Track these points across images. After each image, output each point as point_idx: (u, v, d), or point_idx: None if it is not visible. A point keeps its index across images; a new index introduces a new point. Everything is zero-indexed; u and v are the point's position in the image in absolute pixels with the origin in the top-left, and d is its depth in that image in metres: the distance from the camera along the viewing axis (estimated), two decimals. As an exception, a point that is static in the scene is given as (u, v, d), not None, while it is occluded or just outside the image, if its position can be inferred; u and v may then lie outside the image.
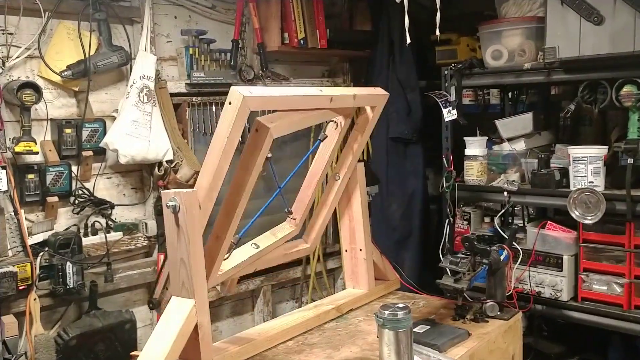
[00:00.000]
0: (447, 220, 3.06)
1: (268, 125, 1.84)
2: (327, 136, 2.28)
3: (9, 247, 2.62)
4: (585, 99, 2.62)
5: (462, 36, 3.39)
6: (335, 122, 2.26)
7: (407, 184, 3.61)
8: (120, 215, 3.02)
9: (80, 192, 2.84)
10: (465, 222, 3.20)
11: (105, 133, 2.86)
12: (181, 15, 3.22)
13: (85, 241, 2.80)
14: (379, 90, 2.33)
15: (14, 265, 2.50)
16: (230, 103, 1.71)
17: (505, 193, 2.82)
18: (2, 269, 2.46)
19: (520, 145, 3.00)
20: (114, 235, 2.92)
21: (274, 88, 1.89)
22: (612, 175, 2.63)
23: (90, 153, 2.83)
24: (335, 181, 2.36)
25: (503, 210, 2.91)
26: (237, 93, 1.70)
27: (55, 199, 2.72)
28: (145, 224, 3.02)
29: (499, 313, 2.21)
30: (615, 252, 2.59)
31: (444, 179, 3.05)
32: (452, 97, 3.02)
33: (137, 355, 1.70)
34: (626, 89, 2.46)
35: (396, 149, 3.62)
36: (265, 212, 3.43)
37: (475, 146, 2.97)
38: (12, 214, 2.63)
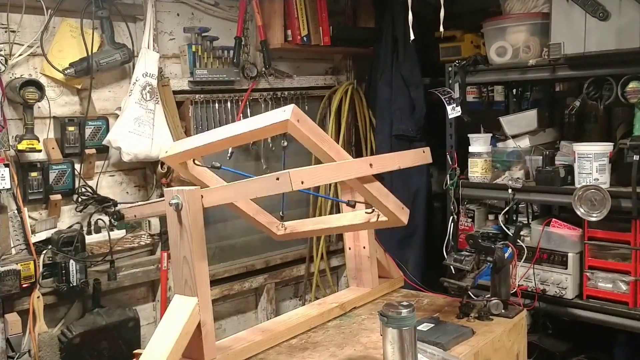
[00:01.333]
0: (451, 218, 3.05)
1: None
2: (354, 204, 2.16)
3: (12, 245, 2.62)
4: (591, 96, 2.60)
5: (466, 33, 3.37)
6: (374, 211, 2.11)
7: (411, 181, 3.59)
8: (124, 213, 3.02)
9: (83, 190, 2.84)
10: (469, 220, 3.18)
11: (108, 131, 2.86)
12: (184, 13, 3.21)
13: (89, 239, 2.80)
14: (427, 156, 2.20)
15: (17, 264, 2.50)
16: (277, 179, 1.65)
17: (510, 190, 2.81)
18: (6, 267, 2.46)
19: (524, 142, 2.98)
20: (117, 233, 2.92)
21: (327, 168, 1.82)
22: (618, 172, 2.61)
23: (93, 151, 2.83)
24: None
25: (507, 208, 2.89)
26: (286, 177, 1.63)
27: (59, 196, 2.72)
28: (149, 221, 3.02)
29: (503, 311, 2.20)
30: (620, 249, 2.57)
31: (447, 176, 3.04)
32: (456, 94, 3.00)
33: (141, 353, 1.70)
34: (632, 85, 2.44)
35: (400, 146, 3.60)
36: (268, 211, 3.45)
37: (479, 143, 2.96)
38: (16, 212, 2.63)
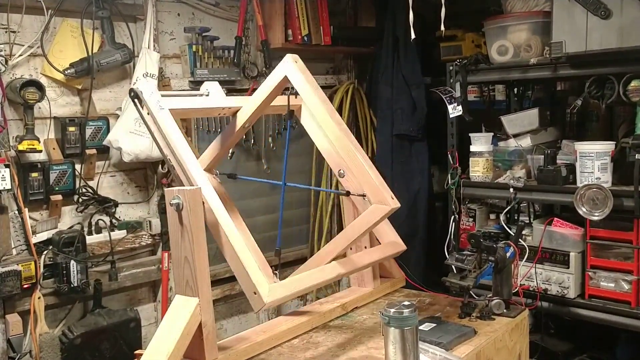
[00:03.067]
0: (452, 218, 3.04)
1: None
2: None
3: (13, 246, 2.62)
4: (593, 94, 2.59)
5: (467, 32, 3.37)
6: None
7: (412, 181, 3.59)
8: (124, 213, 3.01)
9: (84, 190, 2.84)
10: (471, 219, 3.18)
11: (108, 131, 2.85)
12: (184, 13, 3.20)
13: (90, 239, 2.79)
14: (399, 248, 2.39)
15: (18, 264, 2.50)
16: (255, 293, 1.76)
17: (511, 189, 2.80)
18: (7, 267, 2.46)
19: (526, 142, 2.98)
20: (118, 234, 2.92)
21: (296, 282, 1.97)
22: (620, 171, 2.61)
23: (94, 151, 2.83)
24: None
25: (509, 207, 2.89)
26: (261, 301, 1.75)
27: (59, 197, 2.72)
28: (149, 222, 3.02)
29: (505, 311, 2.20)
30: (622, 248, 2.57)
31: (449, 175, 3.03)
32: (457, 94, 3.00)
33: (142, 354, 1.69)
34: (634, 83, 2.44)
35: (401, 146, 3.60)
36: (270, 211, 3.47)
37: (480, 142, 2.95)
38: (16, 212, 2.63)
